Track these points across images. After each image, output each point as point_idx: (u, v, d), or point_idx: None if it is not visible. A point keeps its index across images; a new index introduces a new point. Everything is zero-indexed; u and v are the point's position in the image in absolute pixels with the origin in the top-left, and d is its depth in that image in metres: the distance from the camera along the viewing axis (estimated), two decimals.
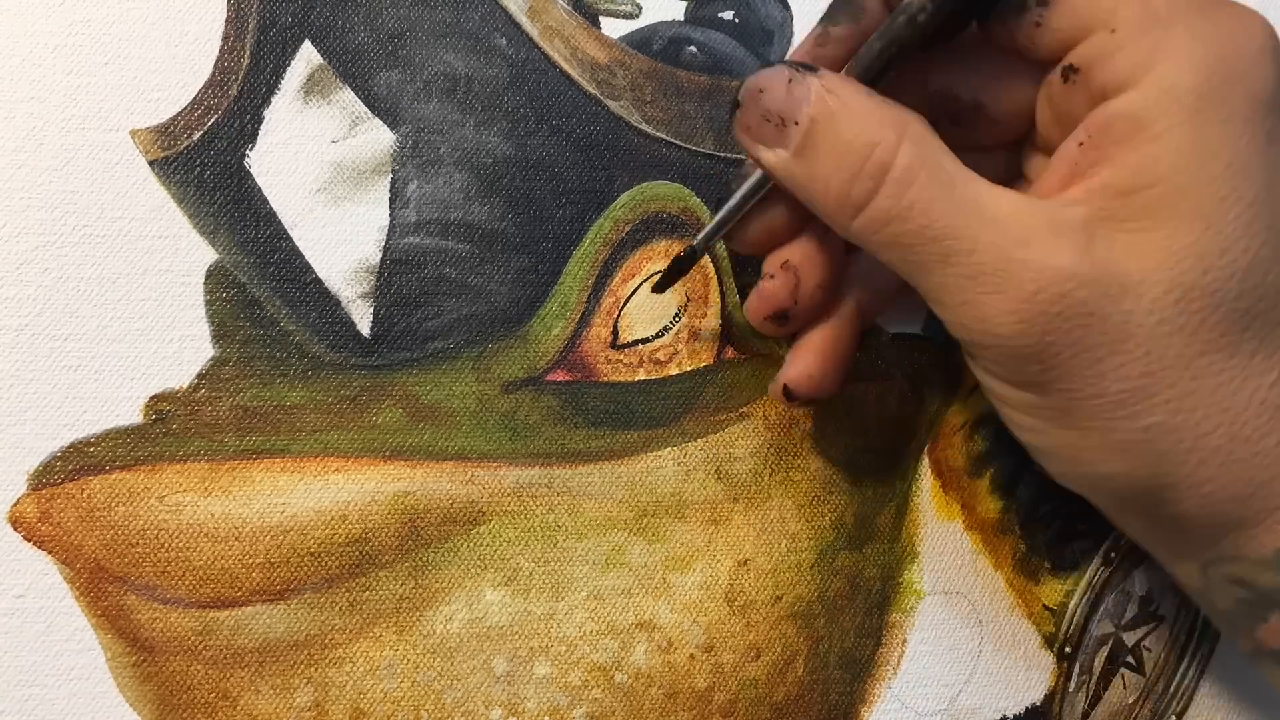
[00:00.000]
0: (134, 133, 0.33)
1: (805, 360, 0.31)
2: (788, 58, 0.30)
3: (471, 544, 0.33)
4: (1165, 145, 0.24)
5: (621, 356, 0.34)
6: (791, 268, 0.31)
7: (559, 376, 0.34)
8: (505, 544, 0.33)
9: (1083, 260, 0.24)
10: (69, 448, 0.32)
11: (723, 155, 0.35)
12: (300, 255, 0.33)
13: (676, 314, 0.35)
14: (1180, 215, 0.24)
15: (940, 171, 0.26)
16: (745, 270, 0.35)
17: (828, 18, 0.29)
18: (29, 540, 0.31)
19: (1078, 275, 0.24)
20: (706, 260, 0.35)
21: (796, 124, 0.27)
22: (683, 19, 0.36)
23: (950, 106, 0.29)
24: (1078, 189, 0.26)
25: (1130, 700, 0.37)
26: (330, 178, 0.34)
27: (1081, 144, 0.26)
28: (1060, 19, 0.26)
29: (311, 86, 0.34)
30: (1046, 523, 0.37)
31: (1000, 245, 0.25)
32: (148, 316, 0.33)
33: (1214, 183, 0.24)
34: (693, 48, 0.36)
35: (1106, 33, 0.25)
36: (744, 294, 0.35)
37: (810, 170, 0.27)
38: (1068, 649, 0.36)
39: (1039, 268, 0.24)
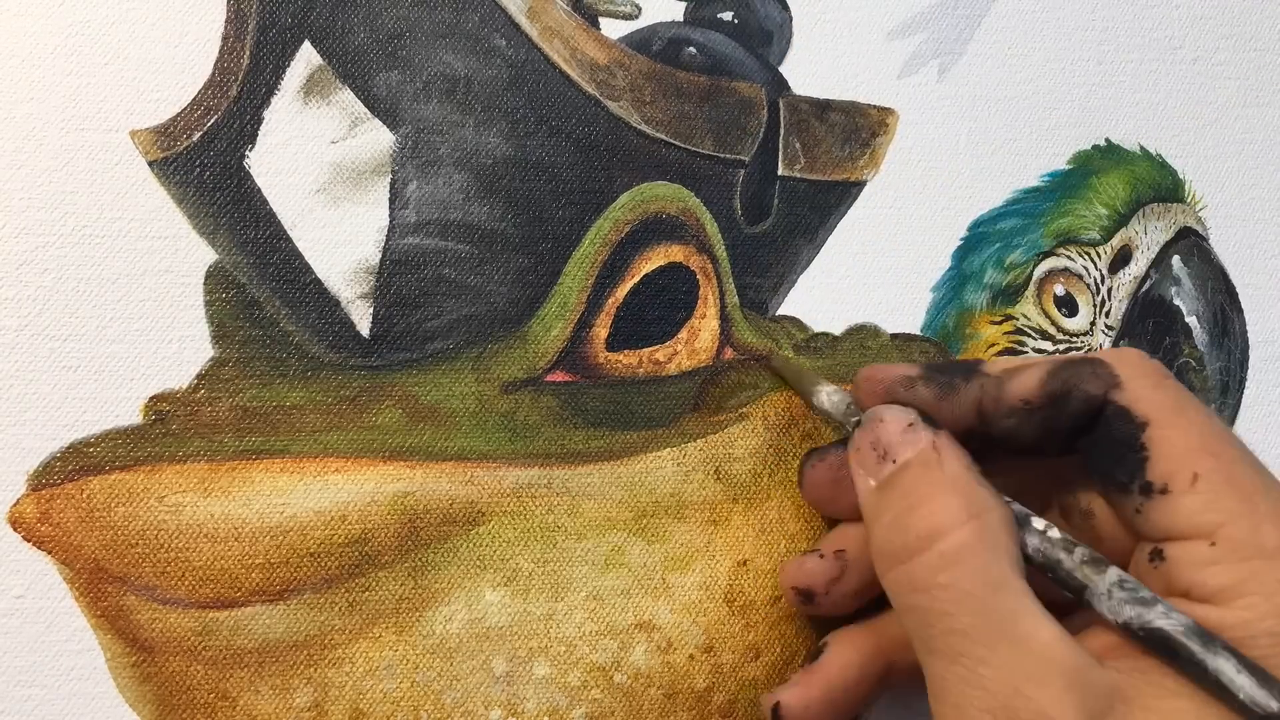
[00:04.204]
0: (134, 133, 0.33)
1: (810, 690, 0.30)
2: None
3: (471, 544, 0.33)
4: None
5: (621, 357, 0.34)
6: (844, 559, 0.30)
7: (558, 377, 0.34)
8: (505, 544, 0.33)
9: None
10: (69, 448, 0.32)
11: (722, 156, 0.35)
12: (300, 256, 0.33)
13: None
14: None
15: (991, 569, 0.25)
16: (746, 271, 0.36)
17: (930, 372, 0.29)
18: (29, 540, 0.31)
19: None
20: (706, 261, 0.35)
21: (894, 461, 0.27)
22: (682, 20, 0.36)
23: (1066, 502, 0.29)
24: (1125, 658, 0.24)
25: None
26: (330, 178, 0.34)
27: None
28: (1161, 517, 0.25)
29: (311, 87, 0.34)
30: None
31: (1012, 671, 0.23)
32: (147, 317, 0.33)
33: None
34: (692, 48, 0.36)
35: (1206, 544, 0.24)
36: (743, 293, 0.35)
37: (879, 505, 0.27)
38: None
39: (1038, 714, 0.23)
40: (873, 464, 0.28)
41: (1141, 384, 0.26)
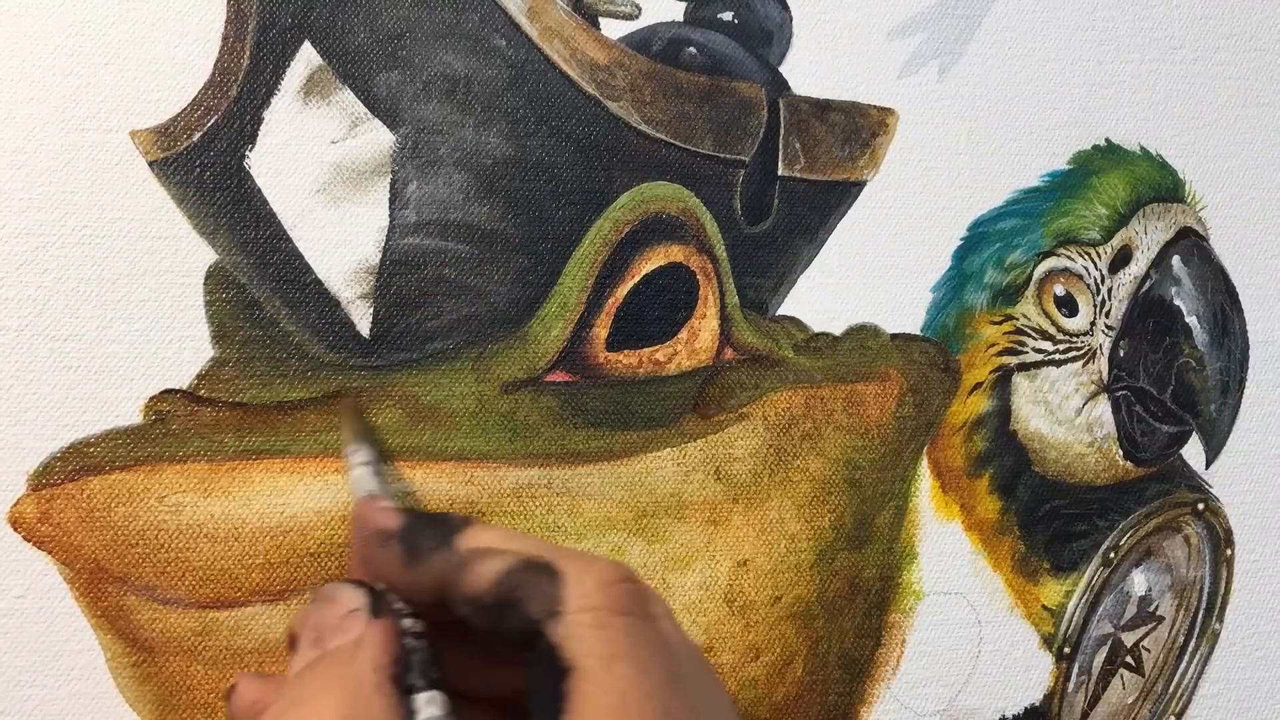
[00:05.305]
0: (134, 133, 0.33)
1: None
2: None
3: None
4: None
5: (621, 357, 0.34)
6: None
7: (558, 377, 0.34)
8: None
9: None
10: (69, 448, 0.32)
11: (722, 155, 0.35)
12: (300, 256, 0.33)
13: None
14: None
15: None
16: (746, 271, 0.36)
17: (407, 532, 0.26)
18: (29, 540, 0.31)
19: None
20: (706, 261, 0.35)
21: (322, 648, 0.25)
22: (682, 20, 0.36)
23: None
24: None
25: (1129, 700, 0.37)
26: (330, 178, 0.34)
27: None
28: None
29: (311, 87, 0.34)
30: (1045, 523, 0.37)
31: None
32: (148, 317, 0.33)
33: None
34: (692, 48, 0.36)
35: None
36: (743, 293, 0.35)
37: (285, 692, 0.24)
38: (1067, 649, 0.36)
39: None
40: (309, 646, 0.25)
41: (583, 619, 0.23)
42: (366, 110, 0.34)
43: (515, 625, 0.23)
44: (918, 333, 0.37)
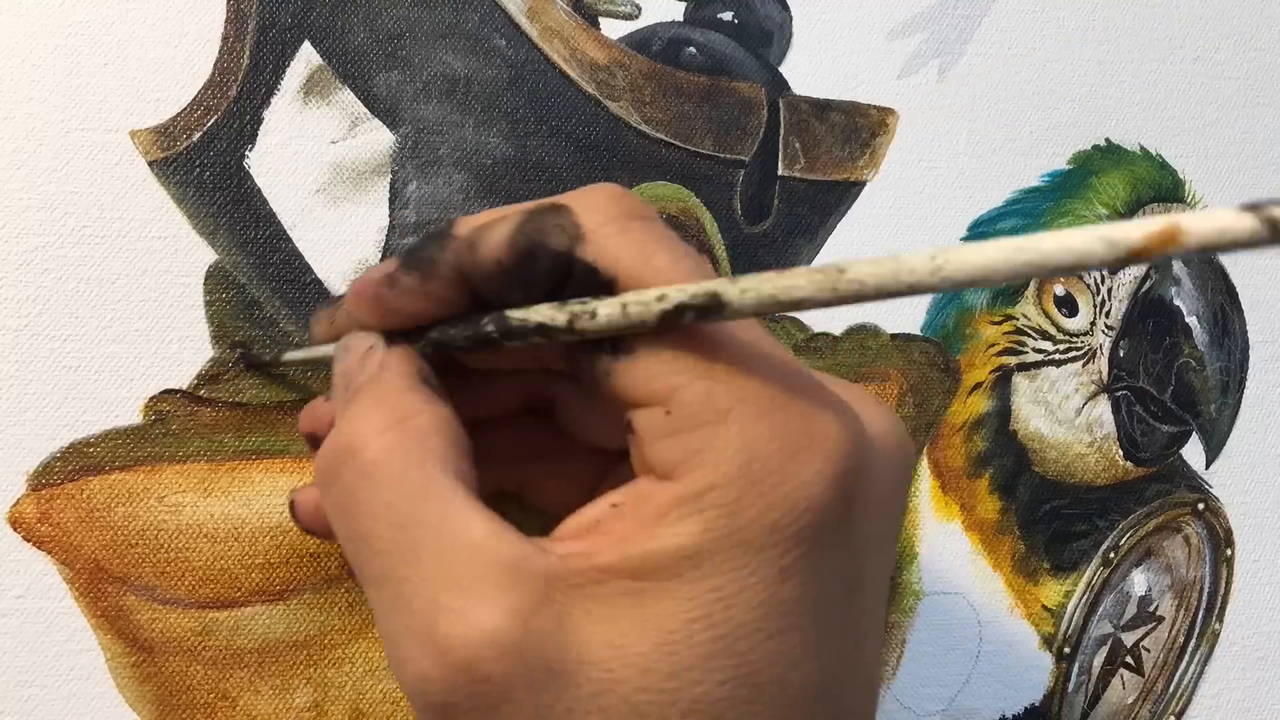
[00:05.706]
0: (133, 133, 0.33)
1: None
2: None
3: None
4: (667, 549, 0.20)
5: None
6: None
7: None
8: None
9: (514, 626, 0.20)
10: (69, 448, 0.32)
11: (722, 156, 0.35)
12: (300, 256, 0.33)
13: None
14: (645, 621, 0.20)
15: (412, 476, 0.22)
16: (746, 271, 0.35)
17: (406, 258, 0.25)
18: (28, 540, 0.31)
19: (499, 644, 0.20)
20: (705, 260, 0.35)
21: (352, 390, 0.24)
22: (682, 20, 0.36)
23: (551, 409, 0.26)
24: (581, 543, 0.22)
25: (1129, 700, 0.37)
26: (330, 178, 0.34)
27: (614, 505, 0.22)
28: (627, 378, 0.22)
29: (311, 87, 0.34)
30: (1045, 523, 0.37)
31: (434, 582, 0.21)
32: (148, 317, 0.33)
33: (690, 605, 0.20)
34: (692, 48, 0.36)
35: (663, 412, 0.21)
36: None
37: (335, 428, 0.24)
38: (1066, 649, 0.36)
39: (458, 622, 0.20)
40: (341, 393, 0.25)
41: (606, 232, 0.22)
42: (366, 110, 0.34)
43: (545, 267, 0.22)
44: (918, 333, 0.37)
